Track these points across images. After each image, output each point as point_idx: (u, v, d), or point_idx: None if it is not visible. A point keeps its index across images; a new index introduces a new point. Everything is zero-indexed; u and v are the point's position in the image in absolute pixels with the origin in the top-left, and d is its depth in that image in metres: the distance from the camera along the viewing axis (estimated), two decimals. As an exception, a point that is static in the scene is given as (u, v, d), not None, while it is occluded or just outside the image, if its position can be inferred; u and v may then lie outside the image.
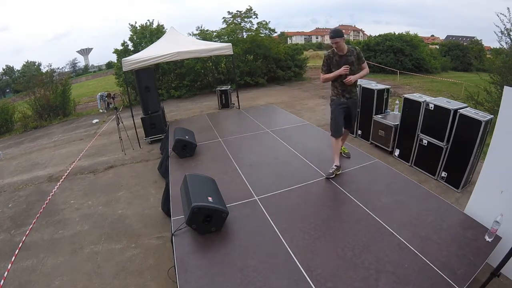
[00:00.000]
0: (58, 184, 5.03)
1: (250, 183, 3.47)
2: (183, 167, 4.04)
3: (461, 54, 21.78)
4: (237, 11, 13.71)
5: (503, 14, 6.82)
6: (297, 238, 2.51)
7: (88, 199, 4.50)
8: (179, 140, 4.29)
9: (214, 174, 3.41)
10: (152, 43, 9.19)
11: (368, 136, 5.59)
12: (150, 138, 6.59)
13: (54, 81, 11.44)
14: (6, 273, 2.98)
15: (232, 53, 7.61)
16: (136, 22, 12.11)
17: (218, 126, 6.04)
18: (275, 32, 14.88)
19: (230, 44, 7.48)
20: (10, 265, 3.11)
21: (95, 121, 9.79)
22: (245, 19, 13.75)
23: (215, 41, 11.83)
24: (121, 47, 11.99)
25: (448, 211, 2.75)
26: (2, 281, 2.88)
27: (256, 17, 13.78)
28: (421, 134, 4.33)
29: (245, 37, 13.49)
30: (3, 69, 31.59)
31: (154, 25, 12.30)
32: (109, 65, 38.41)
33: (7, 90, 29.31)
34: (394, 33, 17.44)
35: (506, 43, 7.05)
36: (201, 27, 13.59)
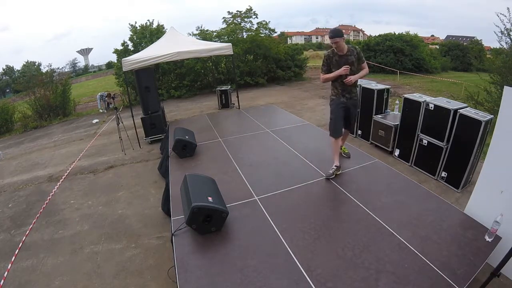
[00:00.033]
0: (58, 184, 5.03)
1: (250, 183, 3.47)
2: (183, 167, 4.04)
3: (461, 54, 21.77)
4: (237, 11, 13.73)
5: (503, 14, 6.83)
6: (297, 238, 2.51)
7: (88, 199, 4.50)
8: (179, 140, 4.29)
9: (214, 174, 3.41)
10: (152, 43, 9.19)
11: (368, 136, 5.58)
12: (150, 138, 6.59)
13: (54, 81, 11.44)
14: (6, 273, 2.99)
15: (232, 53, 7.61)
16: (136, 22, 12.14)
17: (218, 126, 6.05)
18: (275, 32, 14.90)
19: (230, 44, 7.48)
20: (10, 265, 3.11)
21: (95, 121, 9.79)
22: (245, 19, 13.76)
23: (215, 41, 11.84)
24: (121, 47, 12.00)
25: (448, 211, 2.75)
26: (2, 281, 2.88)
27: (256, 17, 13.81)
28: (421, 134, 4.33)
29: (245, 37, 13.49)
30: (3, 69, 31.65)
31: (154, 25, 12.30)
32: (109, 65, 38.42)
33: (7, 90, 29.32)
34: (394, 33, 17.43)
35: (506, 43, 7.05)
36: (201, 27, 13.61)
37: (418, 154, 4.46)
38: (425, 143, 4.28)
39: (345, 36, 3.32)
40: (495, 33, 7.08)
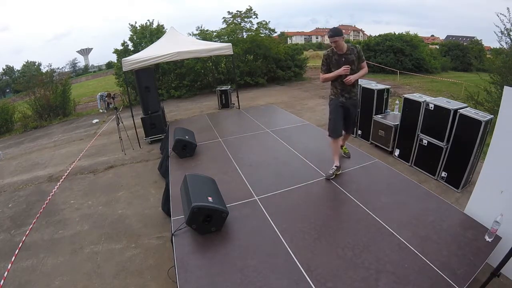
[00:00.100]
0: (58, 184, 5.03)
1: (250, 183, 3.47)
2: (183, 167, 4.04)
3: (461, 54, 21.75)
4: (237, 11, 13.72)
5: (503, 14, 6.83)
6: (297, 238, 2.51)
7: (88, 199, 4.50)
8: (179, 140, 4.29)
9: (214, 174, 3.41)
10: (152, 43, 9.19)
11: (368, 136, 5.59)
12: (150, 138, 6.59)
13: (54, 81, 11.44)
14: (6, 273, 2.99)
15: (232, 53, 7.61)
16: (136, 22, 12.13)
17: (218, 126, 6.04)
18: (275, 32, 14.89)
19: (230, 44, 7.48)
20: (10, 265, 3.11)
21: (95, 121, 9.79)
22: (245, 19, 13.75)
23: (215, 41, 11.83)
24: (121, 47, 11.99)
25: (448, 211, 2.75)
26: (2, 281, 2.88)
27: (256, 17, 13.80)
28: (421, 134, 4.33)
29: (245, 37, 13.48)
30: (3, 69, 31.62)
31: (154, 25, 12.30)
32: (109, 65, 38.41)
33: (7, 90, 29.30)
34: (394, 33, 17.42)
35: (506, 43, 7.05)
36: (201, 27, 13.61)
37: (418, 154, 4.46)
38: (425, 143, 4.28)
39: (345, 36, 3.32)
40: (495, 33, 7.09)
